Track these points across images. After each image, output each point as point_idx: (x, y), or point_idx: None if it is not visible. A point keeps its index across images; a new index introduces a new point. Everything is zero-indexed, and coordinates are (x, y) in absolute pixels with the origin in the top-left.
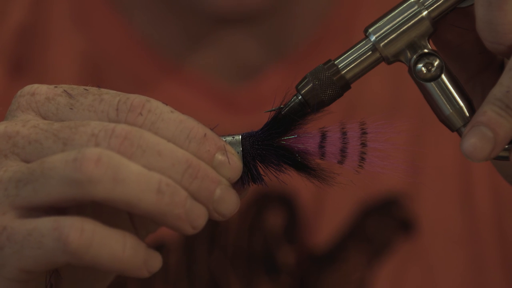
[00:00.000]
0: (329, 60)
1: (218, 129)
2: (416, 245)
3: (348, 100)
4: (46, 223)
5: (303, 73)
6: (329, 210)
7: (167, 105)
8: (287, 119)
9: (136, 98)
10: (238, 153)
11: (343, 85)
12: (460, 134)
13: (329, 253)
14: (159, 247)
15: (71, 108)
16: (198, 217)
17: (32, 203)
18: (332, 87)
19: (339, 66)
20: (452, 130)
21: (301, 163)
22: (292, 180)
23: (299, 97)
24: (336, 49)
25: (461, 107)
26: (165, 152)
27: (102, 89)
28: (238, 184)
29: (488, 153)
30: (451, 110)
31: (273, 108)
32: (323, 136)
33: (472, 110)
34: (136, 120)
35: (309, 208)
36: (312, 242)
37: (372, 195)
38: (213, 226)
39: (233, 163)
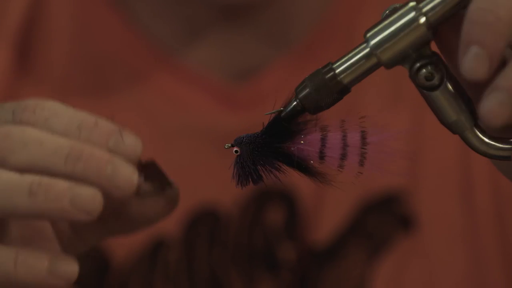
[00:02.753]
0: (328, 64)
1: (219, 125)
2: (416, 241)
3: (346, 104)
4: None
5: (303, 70)
6: (329, 207)
7: (61, 103)
8: (286, 122)
9: (32, 100)
10: (235, 152)
11: (341, 90)
12: (461, 137)
13: (329, 249)
14: (158, 244)
15: None
16: (88, 202)
17: None
18: (330, 92)
19: (337, 71)
20: (454, 133)
21: (300, 166)
22: (292, 177)
23: (298, 101)
24: (337, 45)
25: (464, 114)
26: (46, 141)
27: (8, 102)
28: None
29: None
30: (454, 118)
31: (273, 111)
32: (323, 139)
33: (474, 113)
34: (30, 118)
35: (309, 204)
36: (312, 238)
37: (372, 192)
38: (213, 222)
39: (129, 141)
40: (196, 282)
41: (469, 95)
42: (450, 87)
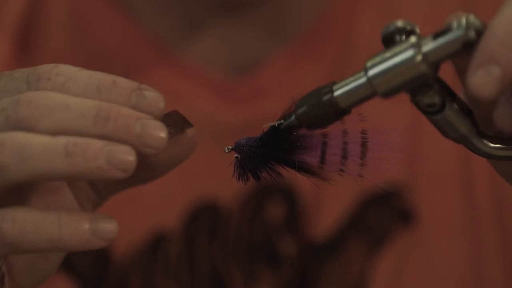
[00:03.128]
0: (329, 84)
1: (218, 119)
2: (416, 236)
3: None
4: None
5: (302, 63)
6: (329, 201)
7: (75, 66)
8: (285, 134)
9: (44, 66)
10: (235, 157)
11: (339, 112)
12: (464, 145)
13: (330, 244)
14: (159, 238)
15: None
16: (123, 160)
17: None
18: (325, 113)
19: (335, 95)
20: (457, 144)
21: (301, 169)
22: (292, 173)
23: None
24: (336, 38)
25: (466, 131)
26: (72, 104)
27: (16, 70)
28: (178, 134)
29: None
30: (456, 135)
31: (272, 123)
32: (323, 145)
33: (476, 125)
34: (46, 85)
35: (309, 199)
36: (313, 232)
37: (372, 186)
38: (214, 217)
39: (150, 96)
40: (197, 277)
41: (469, 106)
42: (451, 109)
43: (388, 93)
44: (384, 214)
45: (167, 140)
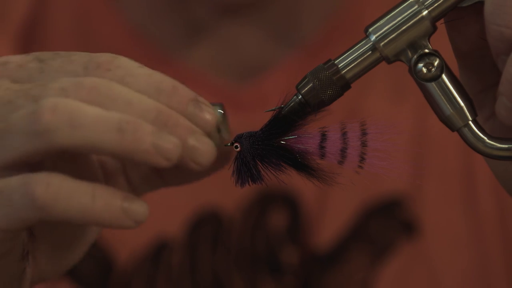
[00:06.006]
0: (329, 60)
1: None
2: (419, 247)
3: (351, 103)
4: (15, 180)
5: (308, 71)
6: (332, 211)
7: (135, 61)
8: (287, 119)
9: (104, 56)
10: (235, 148)
11: (343, 85)
12: (460, 134)
13: (332, 254)
14: (162, 247)
15: (41, 72)
16: (169, 149)
17: (3, 162)
18: (332, 87)
19: (339, 66)
20: (452, 130)
21: (301, 163)
22: (295, 180)
23: (299, 97)
24: (344, 46)
25: (461, 107)
26: (134, 101)
27: (72, 52)
28: (223, 159)
29: None
30: (451, 111)
31: (273, 108)
32: (323, 136)
33: (473, 110)
34: (105, 75)
35: (312, 208)
36: (315, 242)
37: (375, 196)
38: (216, 225)
39: (207, 111)
40: (199, 285)
41: (469, 94)
42: (447, 80)
43: (394, 53)
44: (387, 224)
45: (213, 159)
